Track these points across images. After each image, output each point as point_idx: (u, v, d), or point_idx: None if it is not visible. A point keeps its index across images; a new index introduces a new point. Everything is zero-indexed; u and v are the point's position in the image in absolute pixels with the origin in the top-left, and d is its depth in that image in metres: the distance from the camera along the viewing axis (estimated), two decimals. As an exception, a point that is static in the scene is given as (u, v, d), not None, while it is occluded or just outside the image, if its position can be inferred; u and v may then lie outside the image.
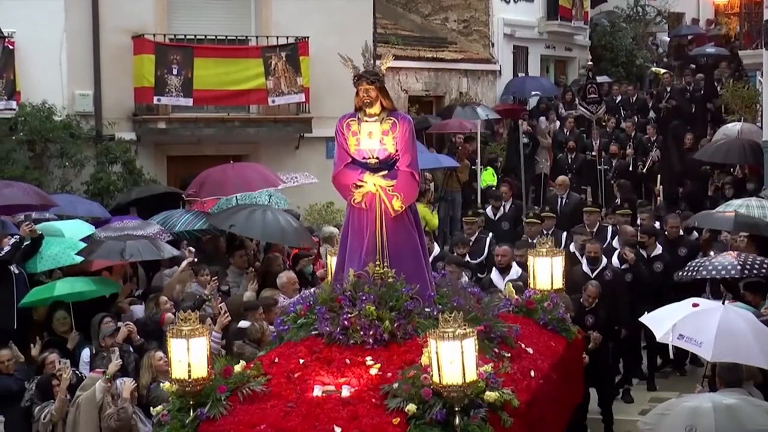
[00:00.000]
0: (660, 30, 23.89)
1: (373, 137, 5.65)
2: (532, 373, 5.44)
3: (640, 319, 6.78)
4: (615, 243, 9.96)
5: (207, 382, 4.94)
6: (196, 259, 9.13)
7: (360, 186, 5.66)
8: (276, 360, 5.35)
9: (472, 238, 10.31)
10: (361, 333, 5.27)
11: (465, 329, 4.66)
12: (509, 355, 5.49)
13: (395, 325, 5.33)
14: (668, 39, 23.87)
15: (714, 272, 8.11)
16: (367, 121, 5.67)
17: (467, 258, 9.68)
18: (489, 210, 11.63)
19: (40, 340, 7.57)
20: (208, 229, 9.94)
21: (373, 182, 5.63)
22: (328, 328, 5.39)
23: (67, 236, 8.75)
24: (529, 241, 9.81)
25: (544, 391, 5.47)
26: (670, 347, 9.09)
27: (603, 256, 9.00)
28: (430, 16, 18.90)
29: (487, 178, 14.44)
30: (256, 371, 5.11)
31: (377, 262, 5.54)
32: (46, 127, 11.23)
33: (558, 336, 6.36)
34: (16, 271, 7.99)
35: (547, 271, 6.56)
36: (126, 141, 12.05)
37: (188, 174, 11.44)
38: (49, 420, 6.52)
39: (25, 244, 8.09)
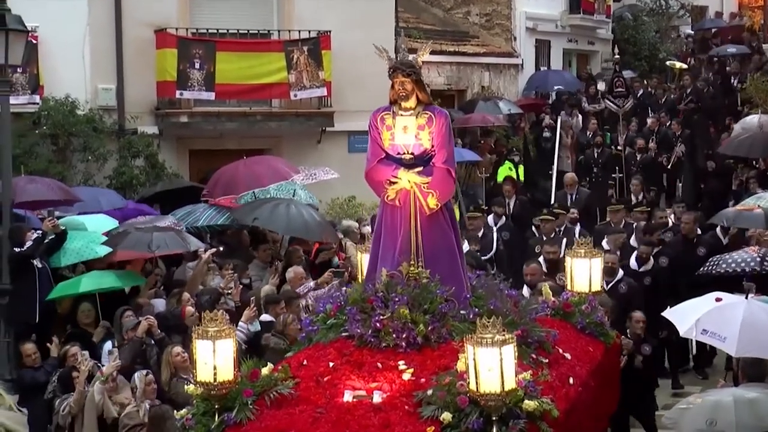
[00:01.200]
0: (683, 23, 23.57)
1: (409, 132, 5.39)
2: (571, 380, 5.23)
3: (662, 314, 6.63)
4: (632, 242, 9.74)
5: (233, 386, 4.76)
6: (221, 248, 9.07)
7: (394, 182, 5.40)
8: (305, 362, 5.16)
9: (479, 234, 10.14)
10: (394, 336, 5.06)
11: (504, 335, 4.47)
12: (547, 361, 5.29)
13: (429, 328, 5.11)
14: (692, 32, 23.53)
15: (734, 265, 8.08)
16: (402, 115, 5.41)
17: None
18: (491, 218, 10.85)
19: (63, 333, 7.55)
20: (230, 223, 9.85)
21: (407, 179, 5.37)
22: (359, 330, 5.18)
23: (90, 230, 8.71)
24: (544, 238, 9.74)
25: (583, 399, 5.26)
26: (694, 343, 8.99)
27: (620, 269, 8.58)
28: (452, 9, 18.74)
29: (505, 172, 14.20)
30: (284, 374, 4.92)
31: (411, 262, 5.31)
32: (69, 121, 11.24)
33: (596, 341, 6.14)
34: (40, 266, 7.98)
35: (585, 273, 6.31)
36: (148, 135, 12.02)
37: (210, 168, 11.40)
38: (68, 412, 6.47)
39: (49, 238, 8.06)
